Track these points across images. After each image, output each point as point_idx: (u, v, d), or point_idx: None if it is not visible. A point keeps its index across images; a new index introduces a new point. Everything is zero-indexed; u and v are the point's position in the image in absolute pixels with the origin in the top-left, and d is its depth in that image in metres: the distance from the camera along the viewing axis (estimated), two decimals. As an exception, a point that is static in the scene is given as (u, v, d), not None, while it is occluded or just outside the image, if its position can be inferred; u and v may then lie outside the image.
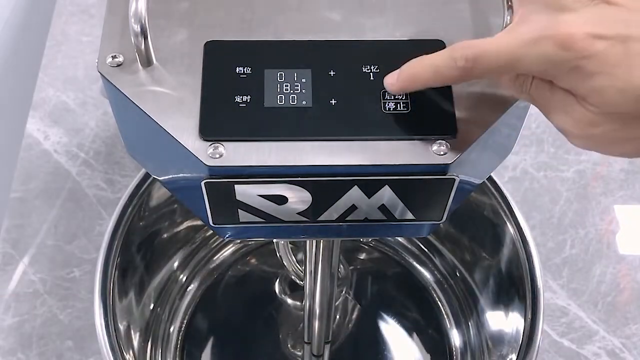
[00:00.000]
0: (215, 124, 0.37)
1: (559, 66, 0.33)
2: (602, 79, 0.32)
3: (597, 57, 0.32)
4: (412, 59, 0.37)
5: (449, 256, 0.77)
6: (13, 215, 0.73)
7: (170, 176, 0.42)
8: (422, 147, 0.37)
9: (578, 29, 0.32)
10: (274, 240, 0.63)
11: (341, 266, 0.70)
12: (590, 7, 0.33)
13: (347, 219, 0.41)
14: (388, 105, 0.38)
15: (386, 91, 0.38)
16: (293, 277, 0.66)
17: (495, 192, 0.65)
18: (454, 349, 0.74)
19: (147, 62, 0.38)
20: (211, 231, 0.73)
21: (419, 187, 0.38)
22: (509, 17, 0.38)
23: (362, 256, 0.80)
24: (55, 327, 0.68)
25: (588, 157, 0.79)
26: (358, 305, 0.76)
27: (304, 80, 0.38)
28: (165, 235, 0.73)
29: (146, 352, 0.69)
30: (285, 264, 0.64)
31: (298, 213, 0.40)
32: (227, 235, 0.43)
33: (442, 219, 0.42)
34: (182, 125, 0.37)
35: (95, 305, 0.59)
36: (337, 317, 0.75)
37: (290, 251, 0.64)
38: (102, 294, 0.59)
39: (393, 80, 0.37)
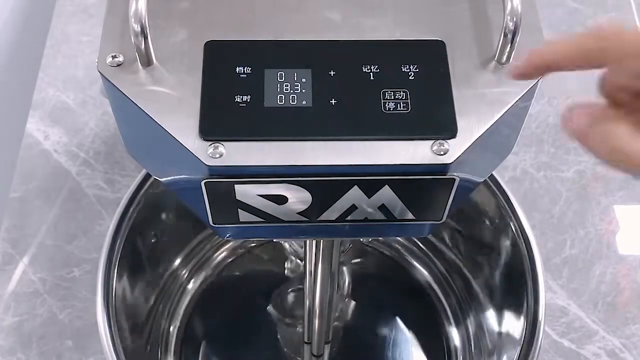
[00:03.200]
0: (215, 124, 0.37)
1: None
2: None
3: None
4: (412, 58, 0.36)
5: (449, 255, 0.77)
6: (13, 215, 0.73)
7: (171, 176, 0.42)
8: (422, 147, 0.37)
9: None
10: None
11: (345, 275, 0.70)
12: None
13: (347, 219, 0.41)
14: (388, 105, 0.37)
15: (386, 91, 0.38)
16: (292, 256, 0.66)
17: (497, 191, 0.65)
18: (453, 348, 0.74)
19: (147, 62, 0.38)
20: (211, 230, 0.74)
21: (418, 187, 0.38)
22: (508, 17, 0.38)
23: (362, 256, 0.80)
24: (55, 327, 0.68)
25: (588, 157, 0.79)
26: (358, 305, 0.76)
27: (304, 80, 0.38)
28: (165, 235, 0.73)
29: (146, 350, 0.69)
30: (285, 245, 0.64)
31: (298, 213, 0.40)
32: (227, 235, 0.43)
33: (442, 219, 0.42)
34: (182, 125, 0.37)
35: (97, 304, 0.59)
36: (337, 316, 0.75)
37: None
38: (105, 292, 0.59)
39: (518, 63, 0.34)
